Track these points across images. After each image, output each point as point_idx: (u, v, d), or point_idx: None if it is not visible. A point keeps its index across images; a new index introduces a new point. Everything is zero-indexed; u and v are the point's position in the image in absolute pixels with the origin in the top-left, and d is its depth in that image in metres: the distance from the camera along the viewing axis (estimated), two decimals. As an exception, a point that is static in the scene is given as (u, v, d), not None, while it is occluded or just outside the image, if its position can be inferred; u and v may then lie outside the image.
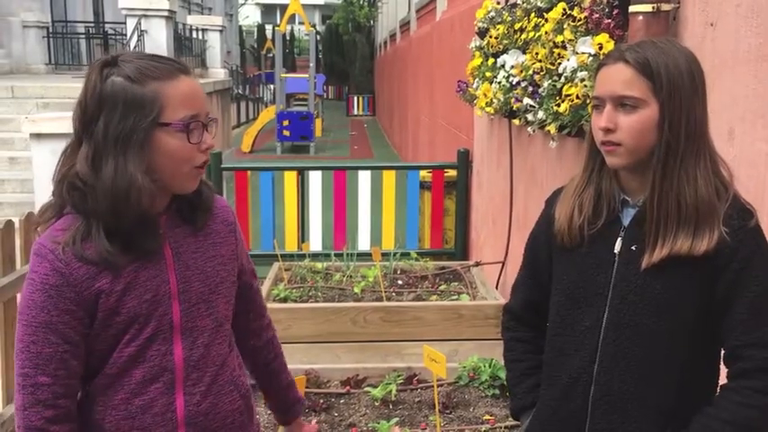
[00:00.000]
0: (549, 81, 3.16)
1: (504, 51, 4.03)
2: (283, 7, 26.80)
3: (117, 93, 1.37)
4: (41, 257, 1.40)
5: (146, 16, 10.00)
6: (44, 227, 1.45)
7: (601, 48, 2.65)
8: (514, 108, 3.72)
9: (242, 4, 40.87)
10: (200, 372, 1.50)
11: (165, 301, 1.46)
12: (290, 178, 5.97)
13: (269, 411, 2.77)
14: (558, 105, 3.02)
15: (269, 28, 39.12)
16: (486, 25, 4.51)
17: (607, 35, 2.66)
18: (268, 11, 54.45)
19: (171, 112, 1.38)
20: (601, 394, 1.50)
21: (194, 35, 14.26)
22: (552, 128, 3.18)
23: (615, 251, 1.51)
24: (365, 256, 5.23)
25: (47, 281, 1.38)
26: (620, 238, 1.51)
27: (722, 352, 1.49)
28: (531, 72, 3.39)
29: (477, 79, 4.63)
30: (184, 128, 1.39)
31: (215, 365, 1.53)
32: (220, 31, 15.23)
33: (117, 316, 1.42)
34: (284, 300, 4.39)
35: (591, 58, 2.75)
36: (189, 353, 1.48)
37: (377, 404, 3.43)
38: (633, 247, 1.48)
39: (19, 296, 3.18)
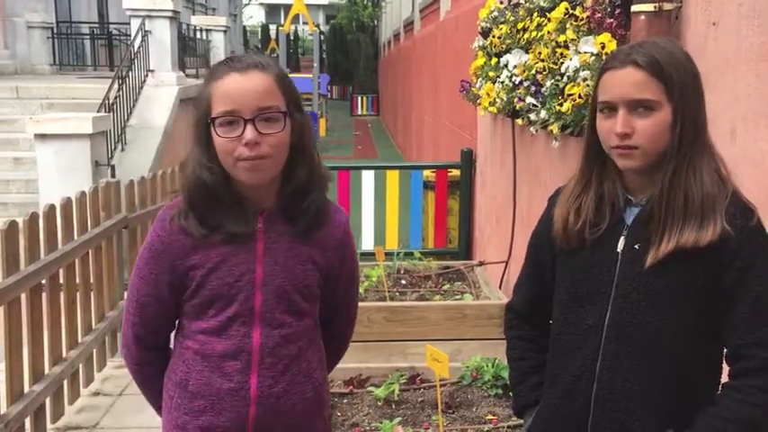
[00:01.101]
0: (552, 81, 3.16)
1: (507, 51, 4.03)
2: (287, 7, 26.81)
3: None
4: (157, 223, 1.63)
5: (150, 17, 10.01)
6: (174, 196, 1.63)
7: (603, 47, 2.65)
8: (517, 108, 3.72)
9: (246, 5, 40.91)
10: (274, 358, 1.61)
11: (249, 288, 1.59)
12: (294, 178, 5.96)
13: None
14: (561, 105, 3.02)
15: (273, 28, 39.13)
16: (489, 25, 4.51)
17: (609, 35, 2.66)
18: (272, 11, 54.49)
19: (214, 108, 1.52)
20: (603, 392, 1.51)
21: (198, 35, 14.30)
22: (555, 127, 3.18)
23: (618, 250, 1.51)
24: (369, 255, 5.24)
25: (154, 244, 1.62)
26: (622, 237, 1.51)
27: (724, 351, 1.49)
28: (533, 72, 3.39)
29: (480, 79, 4.63)
30: (212, 122, 1.52)
31: (291, 356, 1.63)
32: (224, 31, 15.26)
33: (203, 289, 1.59)
34: (288, 299, 4.38)
35: (593, 58, 2.75)
36: (266, 339, 1.61)
37: (380, 404, 3.42)
38: (636, 246, 1.48)
39: (23, 296, 3.21)
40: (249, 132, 1.49)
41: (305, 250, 1.64)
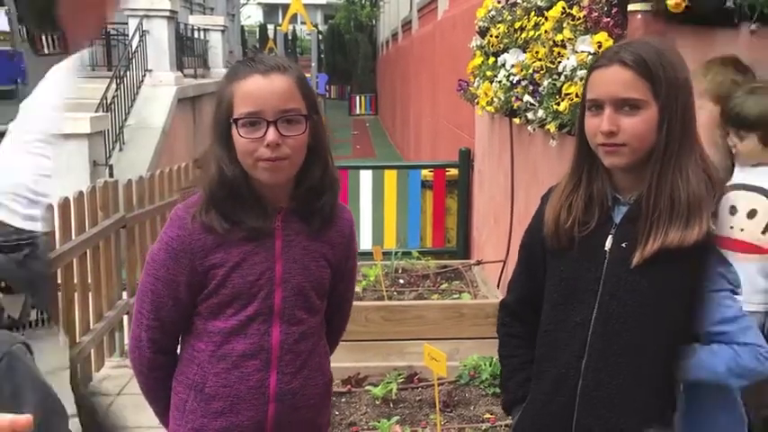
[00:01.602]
0: (549, 80, 3.17)
1: (505, 50, 4.03)
2: (285, 7, 26.82)
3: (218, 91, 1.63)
4: (173, 222, 1.62)
5: (147, 16, 10.01)
6: (184, 196, 1.58)
7: (600, 46, 2.65)
8: (515, 107, 3.72)
9: (244, 4, 40.83)
10: (292, 355, 1.64)
11: (269, 286, 1.61)
12: (292, 178, 5.97)
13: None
14: (558, 104, 3.03)
15: (271, 28, 39.14)
16: (486, 24, 4.52)
17: (606, 34, 2.67)
18: (270, 11, 54.43)
19: (236, 109, 1.54)
20: (588, 389, 1.51)
21: (196, 35, 14.28)
22: (552, 126, 3.19)
23: (606, 248, 1.51)
24: (366, 255, 5.24)
25: (171, 244, 1.60)
26: (610, 236, 1.52)
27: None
28: (531, 71, 3.40)
29: (477, 78, 4.63)
30: (234, 123, 1.55)
31: (306, 351, 1.67)
32: (222, 31, 15.26)
33: (224, 288, 1.60)
34: (286, 299, 4.38)
35: (590, 57, 2.76)
36: (285, 337, 1.63)
37: (378, 403, 3.43)
38: (623, 245, 1.49)
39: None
40: (271, 134, 1.52)
41: (318, 247, 1.68)
